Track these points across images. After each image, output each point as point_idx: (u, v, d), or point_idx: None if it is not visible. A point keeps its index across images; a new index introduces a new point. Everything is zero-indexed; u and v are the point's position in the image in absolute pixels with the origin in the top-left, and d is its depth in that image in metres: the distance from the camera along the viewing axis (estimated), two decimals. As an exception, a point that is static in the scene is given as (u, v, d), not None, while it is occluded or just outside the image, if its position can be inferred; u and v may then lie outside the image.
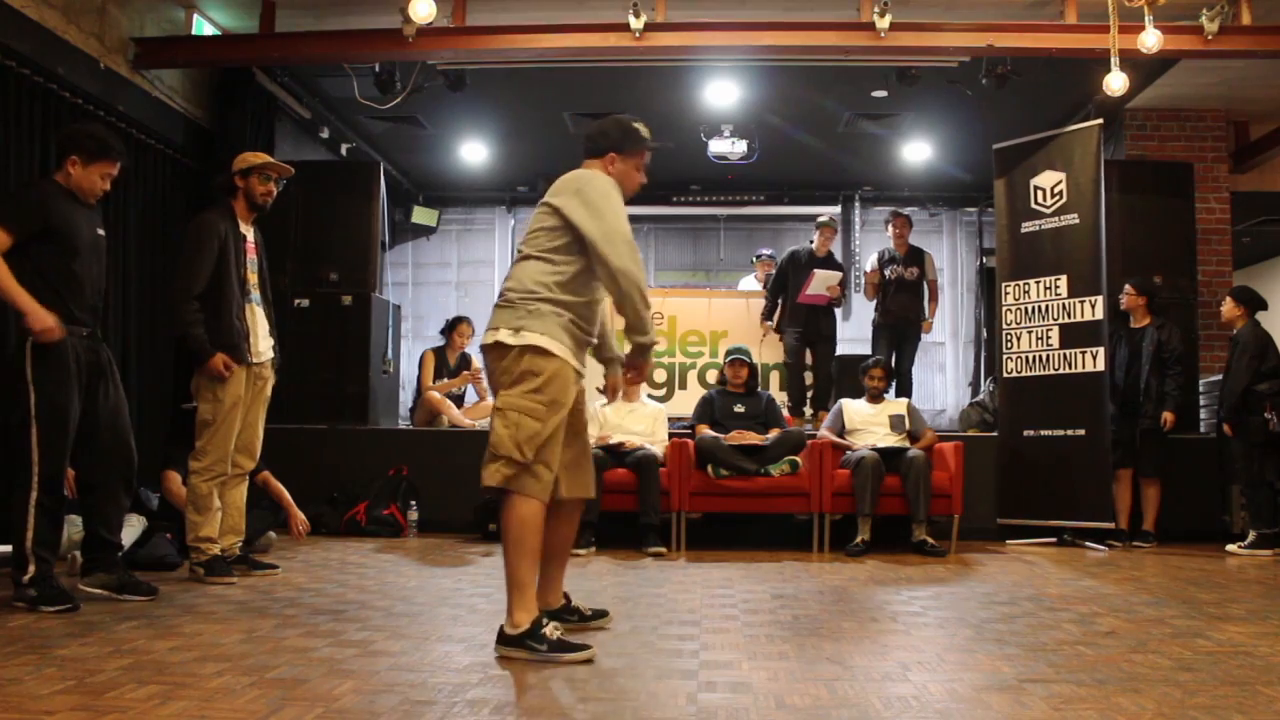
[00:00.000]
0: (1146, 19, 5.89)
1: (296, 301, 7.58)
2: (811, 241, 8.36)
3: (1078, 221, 6.90)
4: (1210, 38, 6.43)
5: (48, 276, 3.96)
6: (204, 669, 2.94)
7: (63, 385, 3.96)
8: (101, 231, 4.27)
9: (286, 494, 5.93)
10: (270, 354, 5.01)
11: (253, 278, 4.95)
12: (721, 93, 8.44)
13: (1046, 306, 7.00)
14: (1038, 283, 7.07)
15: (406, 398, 9.10)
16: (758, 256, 9.60)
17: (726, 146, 9.24)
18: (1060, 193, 7.01)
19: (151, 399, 6.71)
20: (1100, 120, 7.09)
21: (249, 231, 4.96)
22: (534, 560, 3.29)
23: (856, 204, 11.74)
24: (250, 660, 3.06)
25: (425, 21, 6.34)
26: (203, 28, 7.28)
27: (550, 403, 3.26)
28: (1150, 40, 5.96)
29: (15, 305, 3.88)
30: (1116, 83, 6.14)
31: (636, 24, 6.46)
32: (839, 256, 9.70)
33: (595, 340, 3.56)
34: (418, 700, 2.66)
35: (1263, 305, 6.73)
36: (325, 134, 8.98)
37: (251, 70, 7.59)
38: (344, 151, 9.53)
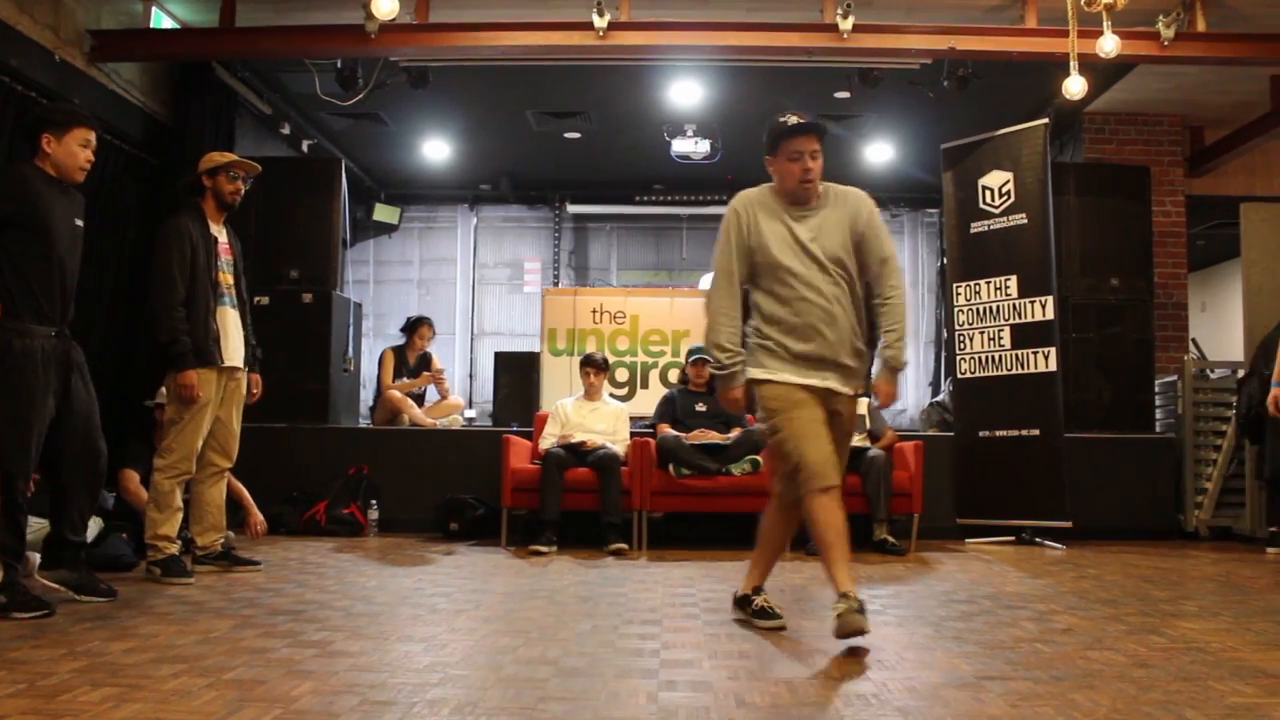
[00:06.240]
0: (1105, 24, 5.97)
1: (257, 299, 7.43)
2: None
3: (1026, 222, 6.94)
4: (1167, 43, 6.52)
5: (20, 267, 3.86)
6: (160, 670, 2.90)
7: (28, 385, 3.85)
8: (80, 222, 4.16)
9: (246, 493, 5.88)
10: (243, 360, 5.02)
11: (226, 279, 4.96)
12: (685, 92, 8.44)
13: (997, 307, 7.05)
14: (988, 283, 7.10)
15: (367, 396, 9.04)
16: None
17: (690, 146, 9.26)
18: (1008, 193, 7.05)
19: (100, 396, 6.59)
20: (1046, 120, 7.15)
21: (220, 232, 4.96)
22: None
23: (819, 204, 11.76)
24: (207, 661, 3.03)
25: (388, 18, 6.29)
26: (161, 20, 7.17)
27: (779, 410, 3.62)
28: (1109, 45, 6.05)
29: None
30: (1075, 86, 6.22)
31: (600, 23, 6.46)
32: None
33: (814, 349, 3.67)
34: (377, 701, 2.64)
35: None
36: (286, 130, 8.89)
37: (211, 65, 7.49)
38: (305, 148, 9.42)
